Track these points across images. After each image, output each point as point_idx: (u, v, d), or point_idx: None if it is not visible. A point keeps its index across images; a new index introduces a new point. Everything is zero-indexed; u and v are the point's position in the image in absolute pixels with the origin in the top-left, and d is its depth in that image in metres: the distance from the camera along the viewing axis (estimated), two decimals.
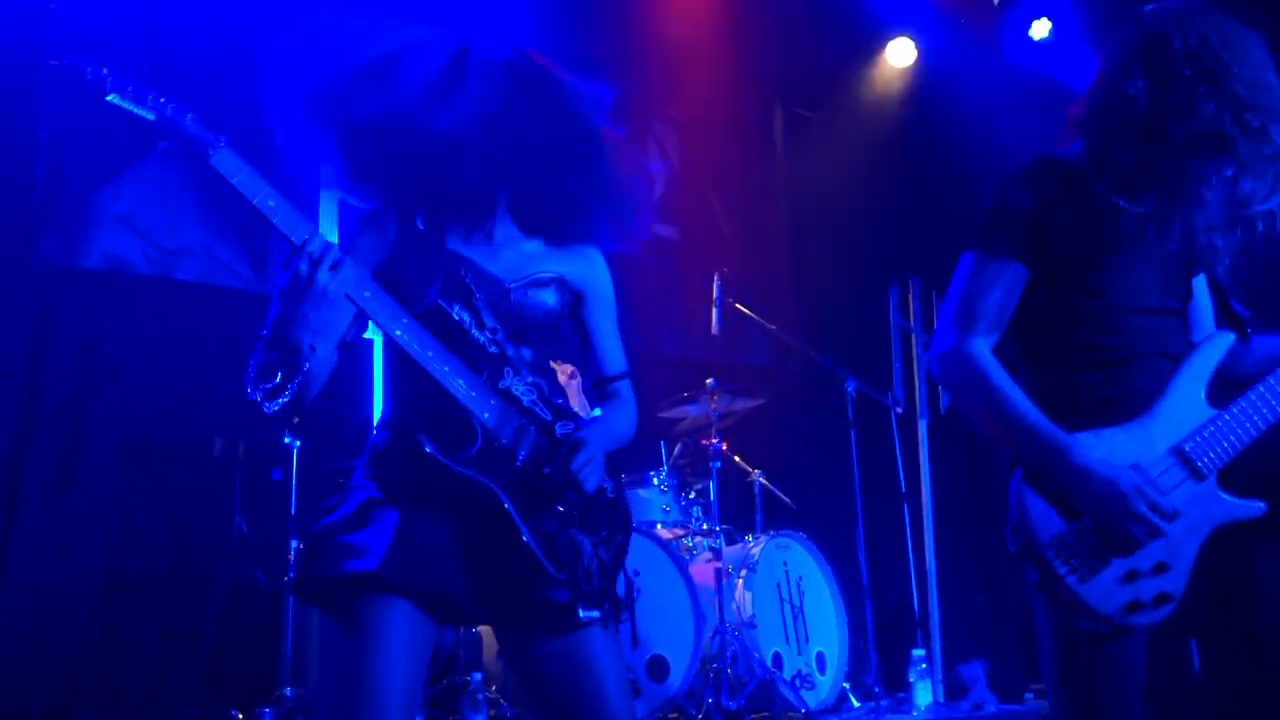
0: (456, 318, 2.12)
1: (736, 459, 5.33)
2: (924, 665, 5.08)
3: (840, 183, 7.20)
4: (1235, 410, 2.26)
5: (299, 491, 4.44)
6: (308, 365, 1.96)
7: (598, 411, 2.41)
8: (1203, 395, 2.29)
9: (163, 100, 1.80)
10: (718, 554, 4.77)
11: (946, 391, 2.93)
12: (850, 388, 5.36)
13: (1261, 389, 2.27)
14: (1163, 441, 2.24)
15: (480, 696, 4.21)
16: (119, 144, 4.84)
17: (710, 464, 5.00)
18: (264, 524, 4.56)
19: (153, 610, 4.62)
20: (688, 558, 4.83)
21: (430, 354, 2.02)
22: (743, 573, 4.81)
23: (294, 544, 4.33)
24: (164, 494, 4.72)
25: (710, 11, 6.90)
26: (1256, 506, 2.22)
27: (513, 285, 2.22)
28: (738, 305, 5.43)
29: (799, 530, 5.17)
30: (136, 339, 4.77)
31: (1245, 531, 2.27)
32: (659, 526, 4.92)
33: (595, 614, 2.12)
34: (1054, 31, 6.87)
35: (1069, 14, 6.73)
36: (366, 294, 1.98)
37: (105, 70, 1.75)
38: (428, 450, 2.00)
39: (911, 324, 5.55)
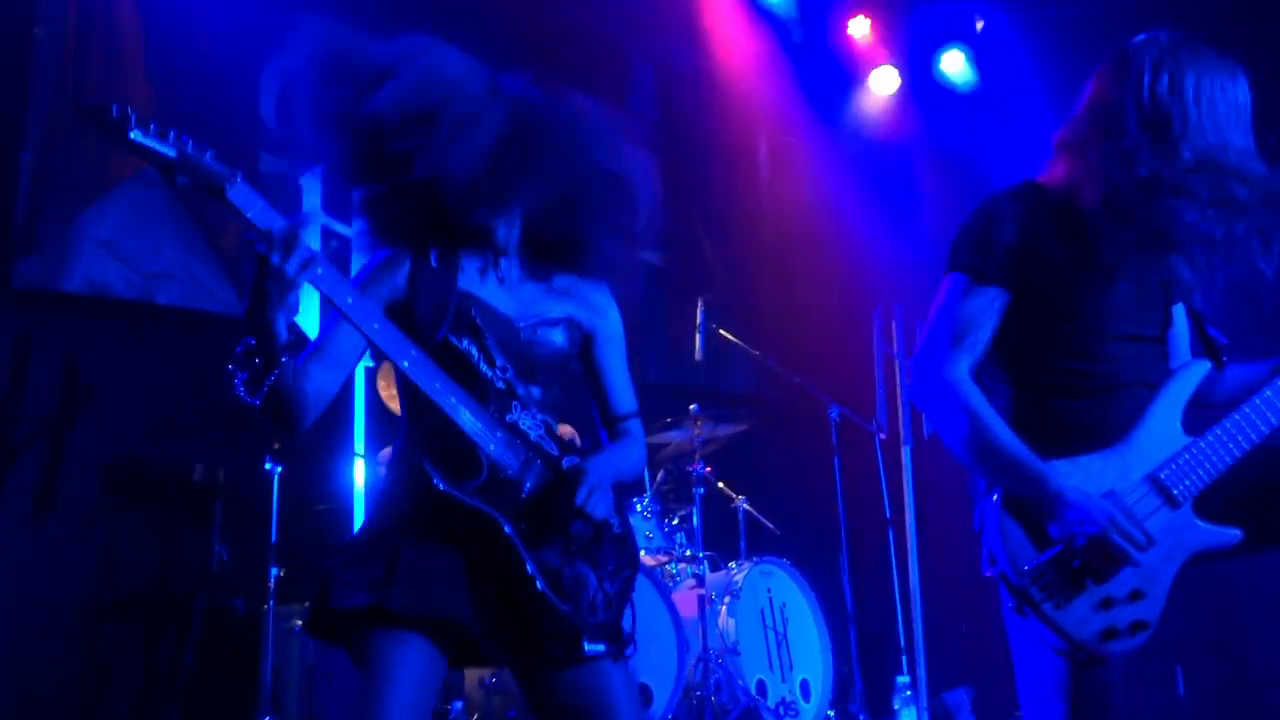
0: (466, 353, 2.15)
1: (720, 485, 5.32)
2: (909, 692, 5.06)
3: (824, 208, 7.23)
4: (1210, 438, 2.27)
5: (280, 518, 4.41)
6: (284, 355, 1.95)
7: None
8: (1178, 423, 2.30)
9: (184, 138, 1.85)
10: (701, 580, 4.75)
11: (924, 413, 2.95)
12: (834, 413, 5.36)
13: (1236, 417, 2.28)
14: (1138, 469, 2.24)
15: None
16: (102, 167, 4.84)
17: (693, 490, 4.99)
18: (244, 551, 4.53)
19: (131, 637, 4.57)
20: (671, 585, 4.81)
21: (437, 385, 2.05)
22: (726, 599, 4.79)
23: (274, 571, 4.30)
24: (144, 520, 4.68)
25: (698, 37, 6.94)
26: (1232, 534, 2.23)
27: (523, 325, 2.25)
28: (721, 331, 5.43)
29: (783, 556, 5.16)
30: (117, 363, 4.74)
31: (1228, 557, 2.27)
32: (642, 553, 4.89)
33: (601, 648, 2.14)
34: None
35: (1045, 45, 6.78)
36: (375, 326, 2.01)
37: (130, 110, 1.79)
38: (434, 480, 2.02)
39: (895, 349, 5.55)
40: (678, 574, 4.93)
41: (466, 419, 2.07)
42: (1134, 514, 2.17)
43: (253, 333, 1.93)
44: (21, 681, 4.32)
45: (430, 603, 2.02)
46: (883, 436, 5.43)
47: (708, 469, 5.11)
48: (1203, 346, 2.46)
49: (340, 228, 5.36)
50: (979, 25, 7.03)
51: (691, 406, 5.09)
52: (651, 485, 5.21)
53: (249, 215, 1.90)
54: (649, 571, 4.61)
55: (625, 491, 2.39)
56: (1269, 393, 2.29)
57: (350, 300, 1.99)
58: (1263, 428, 2.27)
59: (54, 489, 4.54)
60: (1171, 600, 2.17)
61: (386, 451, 2.01)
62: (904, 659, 5.22)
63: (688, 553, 4.95)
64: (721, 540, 5.32)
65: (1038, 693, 2.23)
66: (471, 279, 2.25)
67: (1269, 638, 4.76)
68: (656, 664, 4.41)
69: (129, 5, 5.01)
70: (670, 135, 7.00)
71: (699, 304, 5.45)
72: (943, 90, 7.25)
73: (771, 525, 5.40)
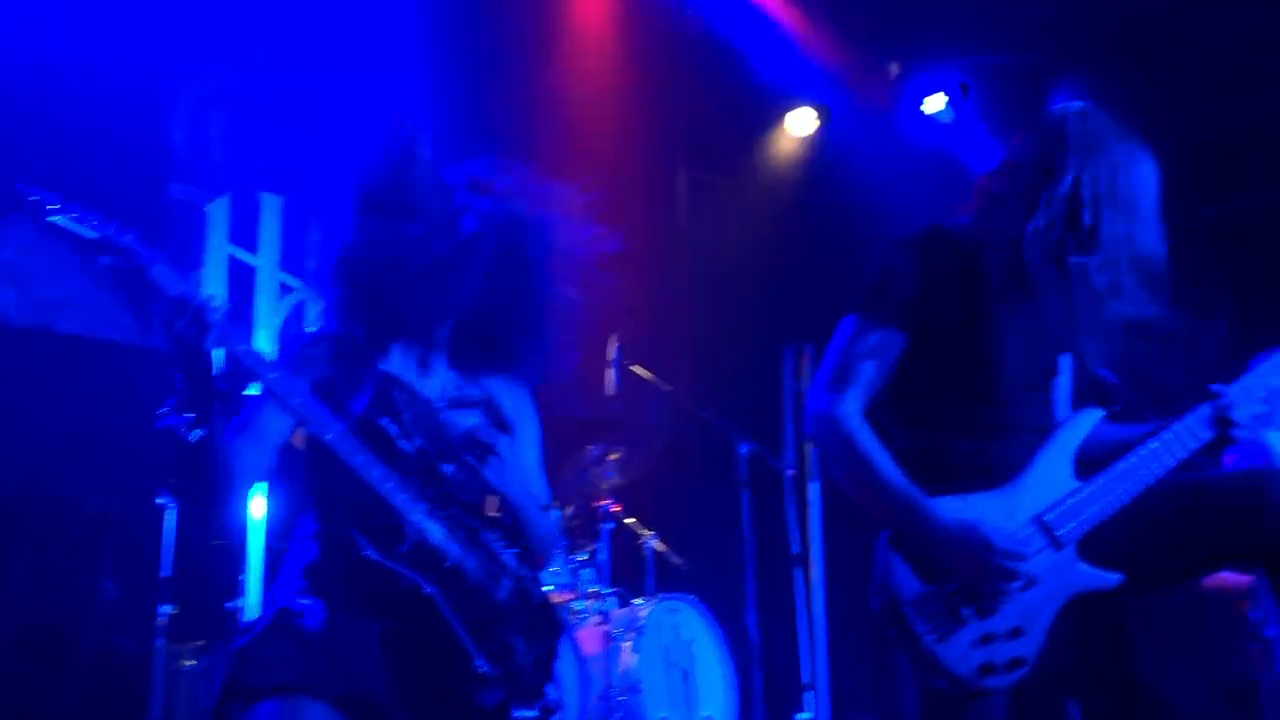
0: (385, 430, 2.19)
1: (629, 521, 5.30)
2: None
3: (740, 246, 7.29)
4: (1098, 483, 2.32)
5: (175, 556, 4.28)
6: (214, 401, 1.98)
7: None
8: (1068, 467, 2.35)
9: (104, 222, 1.90)
10: (606, 617, 4.72)
11: (817, 450, 3.00)
12: (743, 450, 5.37)
13: (1122, 465, 2.34)
14: (1025, 509, 2.28)
15: None
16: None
17: (601, 526, 4.97)
18: (135, 588, 4.39)
19: (12, 676, 4.39)
20: (575, 622, 4.77)
21: (361, 459, 2.09)
22: (630, 636, 4.76)
23: (165, 609, 4.16)
24: (31, 553, 4.52)
25: (614, 73, 6.98)
26: (1113, 578, 2.27)
27: (440, 405, 2.31)
28: (634, 367, 5.43)
29: (690, 593, 5.15)
30: (9, 392, 4.59)
31: (1108, 599, 2.31)
32: (547, 589, 4.85)
33: (531, 714, 2.17)
34: (950, 106, 7.08)
35: (962, 91, 6.93)
36: (298, 400, 2.06)
37: (54, 195, 1.85)
38: (362, 548, 2.05)
39: (805, 388, 5.60)
40: (583, 610, 4.89)
41: (391, 490, 2.10)
42: (1019, 553, 2.20)
43: (180, 373, 1.96)
44: None
45: (347, 680, 2.03)
46: (791, 473, 5.45)
47: (617, 505, 5.09)
48: (1095, 396, 2.51)
49: (245, 256, 5.27)
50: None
51: (602, 442, 5.07)
52: (560, 521, 5.17)
53: (172, 295, 1.92)
54: None
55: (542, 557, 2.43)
56: (1155, 444, 2.36)
57: (275, 376, 2.05)
58: (1147, 476, 2.33)
59: None
60: (1062, 636, 2.21)
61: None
62: (808, 695, 5.22)
63: (593, 589, 4.92)
64: (630, 576, 5.29)
65: None
66: (395, 362, 2.30)
67: (1162, 671, 4.89)
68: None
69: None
70: (586, 168, 7.02)
71: (613, 339, 5.45)
72: (858, 133, 7.37)
73: (680, 561, 5.39)
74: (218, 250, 5.22)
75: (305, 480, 2.28)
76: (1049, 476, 2.33)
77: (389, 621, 2.10)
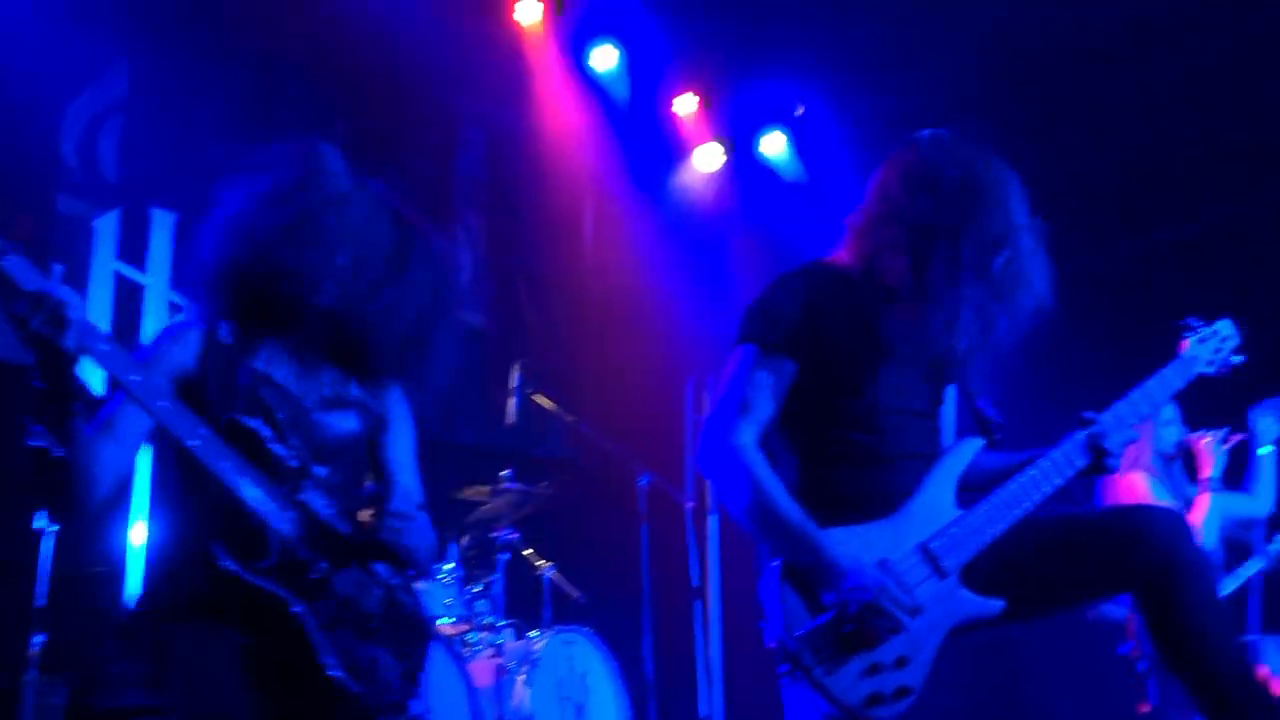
0: (255, 431, 2.10)
1: (527, 551, 5.24)
2: None
3: (645, 278, 7.32)
4: (978, 511, 2.37)
5: (51, 581, 4.10)
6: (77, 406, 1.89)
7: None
8: (951, 496, 2.39)
9: None
10: (500, 650, 4.65)
11: (709, 481, 3.00)
12: (644, 481, 5.36)
13: (1002, 493, 2.38)
14: (910, 538, 2.31)
15: None
16: None
17: (498, 556, 4.90)
18: (3, 617, 4.19)
19: None
20: (468, 654, 4.69)
21: (226, 465, 1.99)
22: (524, 669, 4.69)
23: (38, 639, 3.98)
24: None
25: (524, 101, 6.97)
26: (995, 605, 2.30)
27: (314, 405, 2.22)
28: (536, 396, 5.40)
29: (587, 625, 5.10)
30: None
31: (990, 626, 2.35)
32: (444, 621, 4.76)
33: None
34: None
35: (861, 134, 7.09)
36: (164, 405, 1.96)
37: None
38: (221, 561, 1.95)
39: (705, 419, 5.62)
40: (476, 643, 4.81)
41: (256, 498, 2.02)
42: (904, 582, 2.22)
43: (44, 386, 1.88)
44: None
45: (205, 700, 1.96)
46: (691, 505, 5.46)
47: (517, 534, 5.03)
48: (976, 424, 2.56)
49: (132, 273, 5.12)
50: (799, 111, 7.29)
51: (502, 471, 5.02)
52: (457, 550, 5.09)
53: (27, 290, 1.82)
54: (445, 640, 4.49)
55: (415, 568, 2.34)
56: (1034, 472, 2.42)
57: (135, 378, 1.95)
58: (1026, 504, 2.39)
59: None
60: (951, 663, 2.24)
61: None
62: None
63: (488, 621, 4.84)
64: (528, 608, 5.23)
65: None
66: (265, 358, 2.21)
67: (1045, 693, 5.03)
68: None
69: None
70: (496, 197, 7.00)
71: (516, 367, 5.41)
72: (762, 170, 7.48)
73: (577, 593, 5.34)
74: (104, 267, 5.05)
75: (164, 483, 2.19)
76: (933, 505, 2.37)
77: (247, 637, 2.01)
